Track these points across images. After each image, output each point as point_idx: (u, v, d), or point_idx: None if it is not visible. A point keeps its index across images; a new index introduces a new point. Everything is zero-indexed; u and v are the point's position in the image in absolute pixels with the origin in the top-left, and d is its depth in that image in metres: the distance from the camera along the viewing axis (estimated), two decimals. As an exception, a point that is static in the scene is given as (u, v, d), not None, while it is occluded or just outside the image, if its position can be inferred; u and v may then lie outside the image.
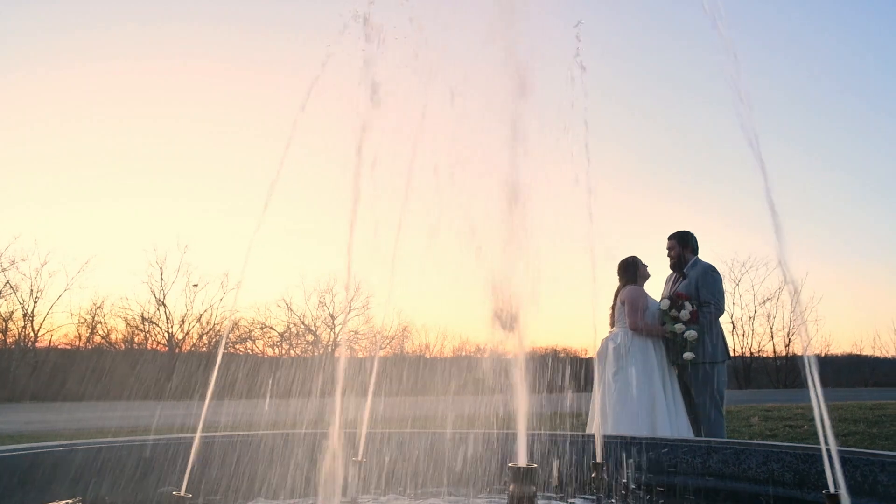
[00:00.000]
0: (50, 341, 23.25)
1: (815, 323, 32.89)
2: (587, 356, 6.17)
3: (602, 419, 4.90)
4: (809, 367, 1.99)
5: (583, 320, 3.71)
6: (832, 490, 1.92)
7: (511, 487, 1.90)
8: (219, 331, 24.32)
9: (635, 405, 5.00)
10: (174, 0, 27.97)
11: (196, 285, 24.91)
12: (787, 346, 33.44)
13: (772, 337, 33.83)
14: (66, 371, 19.58)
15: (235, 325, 23.19)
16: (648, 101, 32.67)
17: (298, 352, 26.31)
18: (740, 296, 32.94)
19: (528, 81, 2.24)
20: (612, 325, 5.55)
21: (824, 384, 1.96)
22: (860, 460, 2.59)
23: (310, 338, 26.62)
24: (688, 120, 35.15)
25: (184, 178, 31.89)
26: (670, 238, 5.69)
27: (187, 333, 25.35)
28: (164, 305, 24.77)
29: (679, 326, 5.15)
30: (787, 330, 33.31)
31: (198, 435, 2.21)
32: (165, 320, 24.87)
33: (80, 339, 23.65)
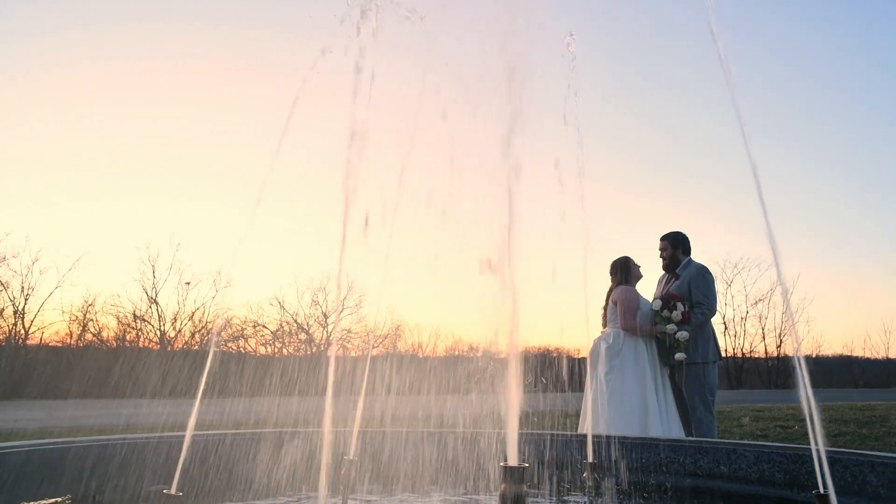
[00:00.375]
0: (41, 339, 23.13)
1: (806, 324, 33.09)
2: (580, 356, 6.17)
3: (594, 419, 4.91)
4: (800, 367, 2.00)
5: (575, 320, 3.71)
6: (822, 490, 1.93)
7: (502, 487, 1.90)
8: (211, 329, 24.24)
9: (627, 405, 5.01)
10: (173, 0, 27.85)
11: (188, 283, 24.84)
12: (778, 346, 33.62)
13: (763, 338, 34.01)
14: (58, 368, 19.49)
15: (228, 323, 23.11)
16: (641, 101, 32.76)
17: (291, 350, 26.26)
18: (732, 297, 33.10)
19: (522, 75, 2.24)
20: (604, 325, 5.56)
21: (815, 385, 1.97)
22: (850, 460, 2.61)
23: (302, 336, 26.57)
24: (680, 121, 35.25)
25: (177, 176, 31.74)
26: (663, 239, 5.70)
27: (179, 331, 25.27)
28: (157, 303, 24.68)
29: (671, 327, 5.17)
30: (778, 331, 33.49)
31: (188, 433, 2.20)
32: (157, 318, 24.79)
33: (71, 337, 23.53)
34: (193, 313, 25.05)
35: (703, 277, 5.45)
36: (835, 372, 33.03)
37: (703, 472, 3.04)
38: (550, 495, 2.98)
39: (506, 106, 2.16)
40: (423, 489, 3.04)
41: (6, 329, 22.27)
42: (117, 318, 24.22)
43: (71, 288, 27.75)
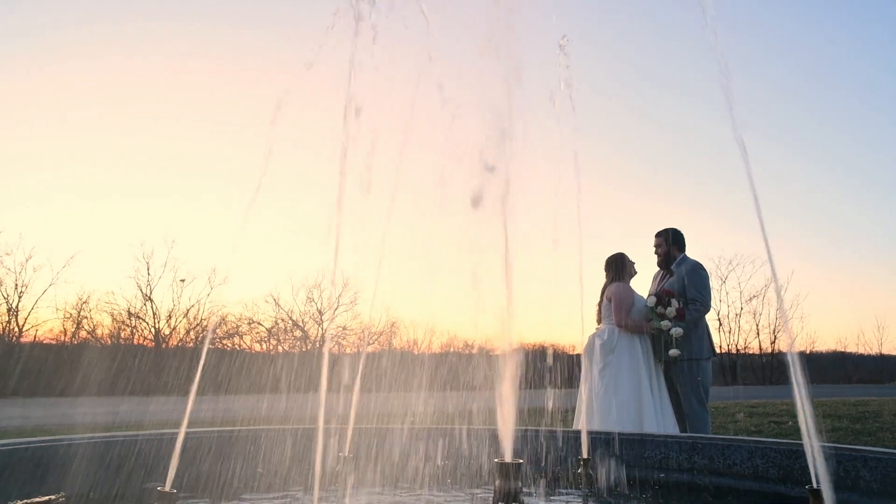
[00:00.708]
0: (35, 336, 23.06)
1: (800, 320, 33.27)
2: (574, 352, 6.18)
3: (588, 415, 4.92)
4: (794, 363, 2.01)
5: (571, 316, 3.72)
6: (815, 485, 1.94)
7: (497, 483, 1.90)
8: (206, 326, 24.20)
9: (622, 401, 5.02)
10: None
11: (183, 280, 24.79)
12: (772, 343, 33.79)
13: (758, 334, 34.19)
14: (52, 366, 19.43)
15: (223, 320, 23.09)
16: (636, 100, 32.80)
17: (286, 347, 26.24)
18: (727, 293, 33.28)
19: (519, 74, 2.24)
20: (599, 321, 5.57)
21: (809, 381, 1.97)
22: (843, 456, 2.62)
23: (297, 333, 26.55)
24: (676, 119, 35.32)
25: (171, 174, 31.67)
26: (658, 235, 5.71)
27: (174, 329, 25.22)
28: (151, 300, 24.63)
29: (665, 323, 5.17)
30: (772, 327, 33.64)
31: (182, 430, 2.19)
32: (152, 315, 24.73)
33: (65, 334, 23.47)
34: (188, 310, 25.02)
35: (698, 274, 5.45)
36: (828, 368, 33.22)
37: (698, 468, 3.05)
38: (545, 491, 2.98)
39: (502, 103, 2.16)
40: (418, 485, 3.05)
41: (0, 327, 22.21)
42: (112, 316, 24.19)
43: (65, 285, 27.67)
